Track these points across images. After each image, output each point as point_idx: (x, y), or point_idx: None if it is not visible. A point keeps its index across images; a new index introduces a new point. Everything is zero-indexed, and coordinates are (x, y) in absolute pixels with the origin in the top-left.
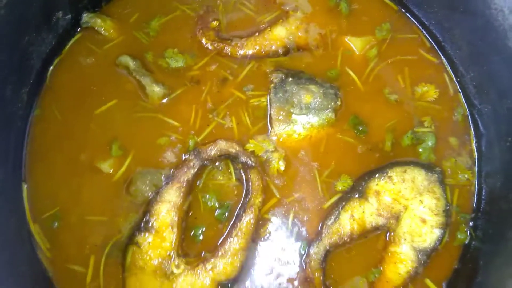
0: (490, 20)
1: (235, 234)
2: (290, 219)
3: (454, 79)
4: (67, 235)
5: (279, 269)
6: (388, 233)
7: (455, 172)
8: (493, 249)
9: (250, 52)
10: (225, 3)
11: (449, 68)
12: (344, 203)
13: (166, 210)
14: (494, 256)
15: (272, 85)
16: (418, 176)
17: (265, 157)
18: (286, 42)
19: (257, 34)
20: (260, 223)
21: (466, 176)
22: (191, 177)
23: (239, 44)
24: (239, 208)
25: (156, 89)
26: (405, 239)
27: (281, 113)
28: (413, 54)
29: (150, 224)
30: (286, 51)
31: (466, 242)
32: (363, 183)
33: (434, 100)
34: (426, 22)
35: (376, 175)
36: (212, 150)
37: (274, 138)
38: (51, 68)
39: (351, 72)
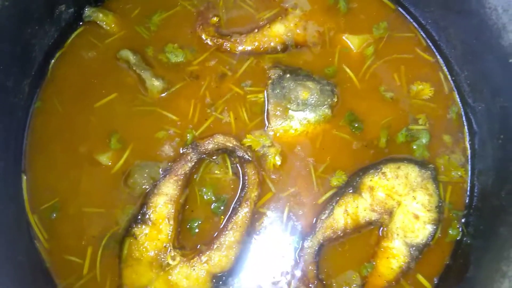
0: (485, 19)
1: (231, 227)
2: (285, 213)
3: (449, 78)
4: (65, 226)
5: (273, 262)
6: (381, 228)
7: (448, 169)
8: (484, 244)
9: (249, 48)
10: None
11: (444, 67)
12: (338, 198)
13: (163, 203)
14: (484, 252)
15: (270, 81)
16: (411, 172)
17: (261, 152)
18: (284, 39)
19: (256, 30)
20: (256, 217)
21: (459, 173)
22: (188, 170)
23: (238, 40)
24: (235, 202)
25: (155, 83)
26: (397, 235)
27: (278, 108)
28: (409, 52)
29: (147, 216)
30: (285, 48)
31: (458, 238)
32: (357, 179)
33: (429, 98)
34: (422, 21)
35: (371, 171)
36: (210, 144)
37: (271, 133)
38: (52, 61)
39: (348, 70)
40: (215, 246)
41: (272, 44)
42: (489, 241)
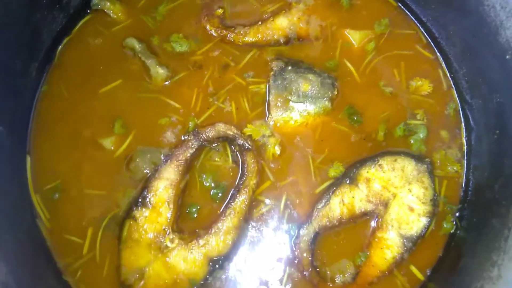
0: (483, 17)
1: (229, 213)
2: (283, 202)
3: (448, 75)
4: (66, 207)
5: (269, 248)
6: (376, 219)
7: (444, 164)
8: (477, 237)
9: (252, 40)
10: None
11: (443, 64)
12: (335, 188)
13: (164, 187)
14: (477, 244)
15: (272, 72)
16: (408, 165)
17: (261, 142)
18: (287, 32)
19: (260, 23)
20: (254, 204)
21: (455, 168)
22: (189, 156)
23: (242, 32)
24: (234, 189)
25: (160, 71)
26: (392, 226)
27: (279, 99)
28: (409, 49)
29: (147, 200)
30: (287, 41)
31: (451, 232)
32: (354, 170)
33: (428, 94)
34: (423, 19)
35: (368, 163)
36: (211, 132)
37: (271, 123)
38: (60, 46)
39: (348, 64)
40: (213, 230)
41: (275, 36)
42: (482, 233)
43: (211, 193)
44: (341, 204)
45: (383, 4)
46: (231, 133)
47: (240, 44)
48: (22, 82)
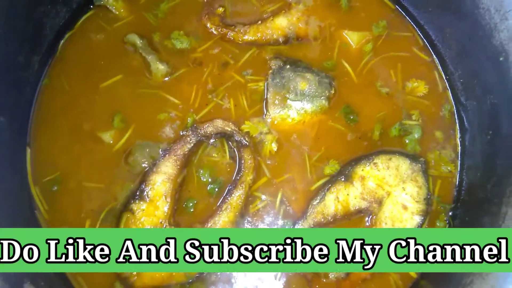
0: (478, 19)
1: (225, 208)
2: (279, 198)
3: (444, 77)
4: (65, 199)
5: None
6: (370, 216)
7: (438, 164)
8: None
9: (252, 38)
10: None
11: (439, 66)
12: (330, 185)
13: (161, 181)
14: None
15: (270, 71)
16: (402, 164)
17: (259, 138)
18: (286, 32)
19: (259, 22)
20: (250, 199)
21: (449, 168)
22: (187, 151)
23: (242, 31)
24: (231, 184)
25: (160, 67)
26: (386, 223)
27: (277, 97)
28: (406, 51)
29: (145, 193)
30: (286, 40)
31: None
32: (349, 168)
33: (423, 96)
34: (420, 21)
35: (363, 161)
36: (209, 128)
37: (269, 121)
38: (62, 41)
39: (346, 64)
40: (209, 225)
41: (274, 36)
42: None
43: (208, 188)
44: (336, 201)
45: (381, 6)
46: (229, 130)
47: (240, 42)
48: (24, 75)
